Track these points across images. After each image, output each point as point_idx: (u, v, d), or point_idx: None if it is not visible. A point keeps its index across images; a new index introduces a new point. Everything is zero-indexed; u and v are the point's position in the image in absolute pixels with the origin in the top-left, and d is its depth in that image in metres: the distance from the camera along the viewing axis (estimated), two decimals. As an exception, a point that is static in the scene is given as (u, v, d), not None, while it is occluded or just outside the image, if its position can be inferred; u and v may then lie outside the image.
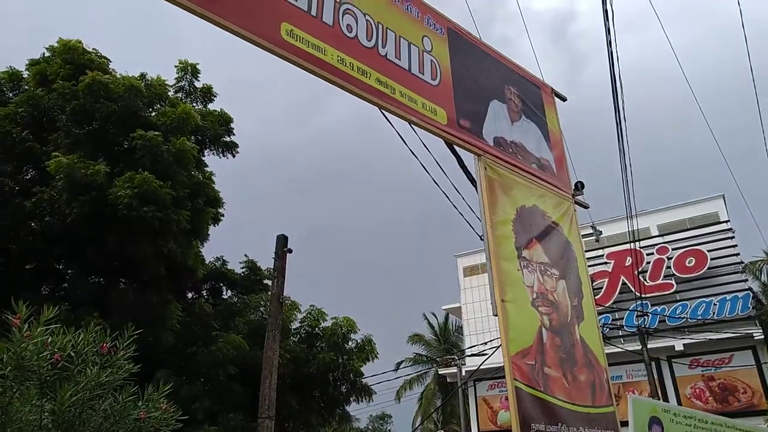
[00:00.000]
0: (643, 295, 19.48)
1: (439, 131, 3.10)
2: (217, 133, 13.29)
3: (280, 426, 13.33)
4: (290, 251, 11.18)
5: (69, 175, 9.83)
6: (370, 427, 51.26)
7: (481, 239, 3.28)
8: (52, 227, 10.73)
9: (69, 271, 12.07)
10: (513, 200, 3.27)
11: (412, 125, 3.33)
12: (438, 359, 36.92)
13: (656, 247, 22.66)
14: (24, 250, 10.72)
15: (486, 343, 15.20)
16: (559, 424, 2.72)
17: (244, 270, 15.73)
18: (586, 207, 3.92)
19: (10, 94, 12.03)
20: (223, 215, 13.00)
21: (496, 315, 2.86)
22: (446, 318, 39.70)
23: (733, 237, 21.99)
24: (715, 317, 20.46)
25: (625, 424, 3.09)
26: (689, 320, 20.80)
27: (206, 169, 13.07)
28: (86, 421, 4.89)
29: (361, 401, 14.83)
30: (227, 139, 13.67)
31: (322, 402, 14.53)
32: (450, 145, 3.96)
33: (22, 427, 4.80)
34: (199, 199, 11.79)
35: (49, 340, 4.50)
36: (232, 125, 13.81)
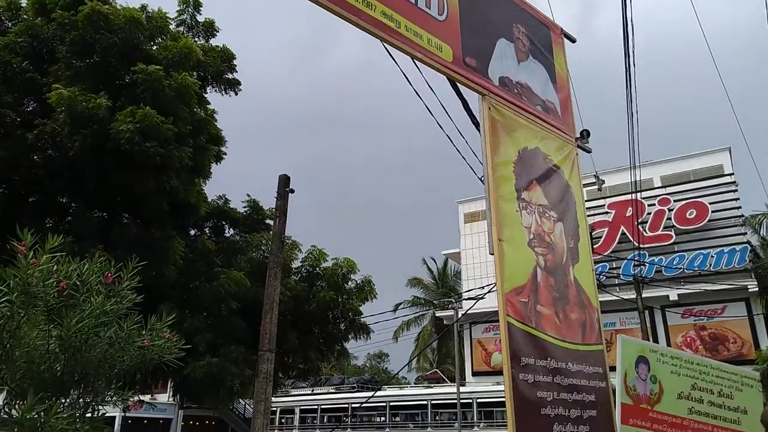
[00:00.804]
0: (641, 246, 19.65)
1: (443, 68, 3.06)
2: (219, 69, 13.06)
3: (281, 360, 13.76)
4: (292, 191, 11.22)
5: (70, 107, 9.74)
6: (367, 364, 52.82)
7: (482, 181, 3.29)
8: (55, 160, 10.73)
9: (72, 205, 12.16)
10: (515, 142, 3.26)
11: (417, 62, 3.27)
12: (436, 302, 37.65)
13: (658, 198, 22.67)
14: (26, 182, 10.77)
15: (483, 287, 15.44)
16: (549, 359, 2.81)
17: (246, 209, 15.83)
18: (588, 151, 3.91)
19: (9, 24, 11.77)
20: (225, 153, 12.97)
21: (493, 254, 2.90)
22: (445, 263, 40.22)
23: (735, 190, 21.96)
24: (712, 269, 20.70)
25: (613, 369, 3.19)
26: (686, 271, 21.06)
27: (208, 106, 12.92)
28: (92, 347, 5.05)
29: (360, 339, 15.24)
30: (229, 76, 13.45)
31: (322, 338, 14.93)
32: (454, 85, 3.90)
33: (30, 351, 4.97)
34: (201, 137, 11.73)
35: (55, 268, 4.58)
36: (234, 62, 13.56)
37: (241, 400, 27.56)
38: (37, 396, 4.23)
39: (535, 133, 3.41)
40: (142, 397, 14.30)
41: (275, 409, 19.74)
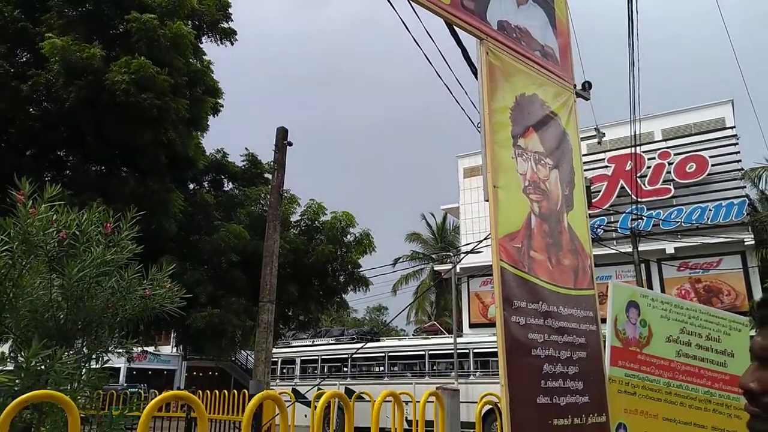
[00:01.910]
0: (639, 199, 19.68)
1: (441, 11, 3.00)
2: (215, 18, 12.79)
3: (281, 311, 14.00)
4: (290, 144, 11.16)
5: (64, 57, 9.59)
6: (367, 317, 53.70)
7: (478, 130, 3.28)
8: (51, 112, 10.63)
9: (70, 159, 12.12)
10: (513, 87, 3.23)
11: (414, 5, 3.21)
12: (434, 256, 37.98)
13: (658, 151, 22.56)
14: (23, 134, 10.70)
15: (481, 241, 15.54)
16: (540, 302, 2.86)
17: (244, 163, 15.80)
18: (586, 99, 3.88)
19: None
20: (222, 106, 12.83)
21: (488, 200, 2.92)
22: (444, 218, 40.36)
23: (736, 144, 21.83)
24: (710, 222, 20.79)
25: (604, 321, 3.25)
26: (683, 225, 21.16)
27: (204, 57, 12.71)
28: (94, 296, 5.13)
29: (359, 291, 15.46)
30: (225, 25, 13.17)
31: (321, 291, 15.15)
32: (453, 32, 3.84)
33: (33, 300, 5.05)
34: (197, 88, 11.58)
35: (54, 217, 4.62)
36: (230, 10, 13.25)
37: (242, 351, 28.17)
38: (41, 343, 4.33)
39: (533, 79, 3.38)
40: (146, 348, 14.62)
41: (276, 359, 20.15)
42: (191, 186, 14.53)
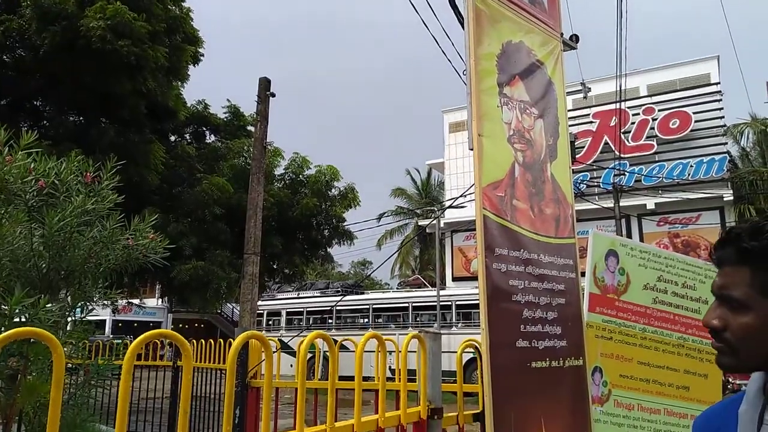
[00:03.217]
0: (622, 155, 19.79)
1: (426, -46, 2.92)
2: (193, -37, 12.30)
3: (265, 265, 14.05)
4: (273, 95, 10.98)
5: (36, 2, 9.22)
6: (351, 271, 54.22)
7: (464, 81, 3.24)
8: (25, 60, 10.29)
9: (47, 108, 11.81)
10: (499, 34, 3.18)
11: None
12: (418, 212, 38.16)
13: (643, 107, 22.57)
14: (-4, 82, 10.38)
15: (464, 194, 15.60)
16: (522, 250, 2.90)
17: (227, 115, 15.53)
18: (573, 48, 3.84)
19: None
20: (202, 55, 12.50)
21: (472, 149, 2.91)
22: (429, 173, 40.38)
23: (720, 100, 21.88)
24: (690, 178, 21.04)
25: (584, 274, 3.31)
26: (664, 180, 21.40)
27: (183, 3, 12.28)
28: (76, 245, 5.10)
29: (343, 245, 15.54)
30: (204, -30, 12.69)
31: (306, 244, 15.20)
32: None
33: (14, 249, 5.01)
34: (176, 36, 11.24)
35: (32, 165, 4.54)
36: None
37: (228, 303, 28.41)
38: (23, 291, 4.31)
39: (520, 26, 3.32)
40: (131, 300, 14.66)
41: (262, 311, 20.36)
42: (172, 138, 14.29)
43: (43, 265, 4.94)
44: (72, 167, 5.08)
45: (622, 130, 20.39)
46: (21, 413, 4.83)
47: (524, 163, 3.08)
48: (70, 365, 6.20)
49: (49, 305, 4.51)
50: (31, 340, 4.44)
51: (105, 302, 6.90)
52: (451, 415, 2.60)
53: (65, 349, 5.63)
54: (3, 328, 4.23)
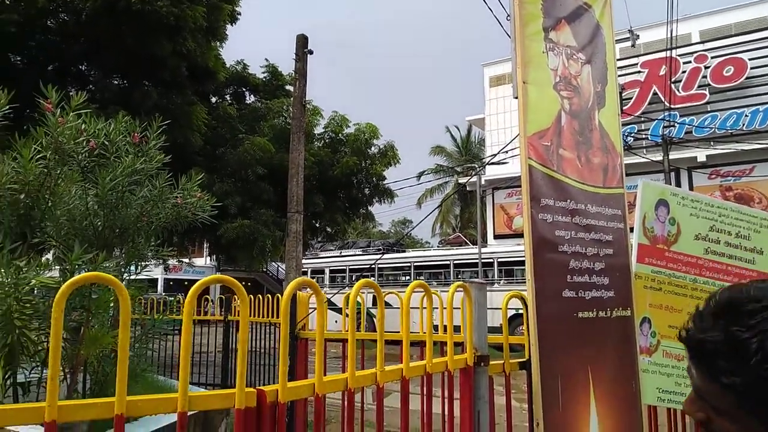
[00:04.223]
0: (672, 106, 19.00)
1: None
2: None
3: (308, 223, 14.27)
4: (311, 52, 10.91)
5: (76, -34, 9.32)
6: (392, 230, 54.57)
7: (506, 32, 3.14)
8: (68, 24, 10.48)
9: (91, 72, 12.07)
10: (544, -23, 3.05)
11: None
12: (459, 169, 37.82)
13: (695, 55, 21.46)
14: (43, 48, 10.62)
15: (507, 151, 15.35)
16: (568, 200, 2.86)
17: (265, 75, 15.56)
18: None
19: None
20: (240, 13, 12.46)
21: (517, 97, 2.85)
22: (469, 130, 39.77)
23: (779, 44, 20.61)
24: (745, 128, 20.08)
25: (632, 230, 3.23)
26: (717, 131, 20.49)
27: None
28: (128, 204, 5.29)
29: (384, 203, 15.59)
30: None
31: (347, 203, 15.32)
32: None
33: (70, 209, 5.23)
34: (213, -5, 11.21)
35: (83, 126, 4.68)
36: None
37: (273, 262, 29.09)
38: (82, 248, 4.52)
39: (566, -33, 3.18)
40: (181, 259, 15.20)
41: (306, 269, 20.79)
42: (213, 99, 14.45)
43: (99, 224, 5.15)
44: (120, 128, 5.23)
45: (672, 80, 19.51)
46: (86, 363, 5.14)
47: (571, 111, 2.99)
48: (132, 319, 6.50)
49: (106, 263, 4.72)
50: (93, 295, 4.68)
51: (157, 260, 7.18)
52: (497, 363, 2.63)
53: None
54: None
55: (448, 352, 2.30)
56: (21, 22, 9.83)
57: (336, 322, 14.43)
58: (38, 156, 4.47)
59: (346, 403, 1.87)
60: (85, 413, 1.43)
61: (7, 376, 4.38)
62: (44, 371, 4.74)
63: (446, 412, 2.49)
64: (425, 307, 2.31)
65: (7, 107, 4.45)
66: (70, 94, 10.18)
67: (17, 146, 4.36)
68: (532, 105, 2.81)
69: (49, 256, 5.70)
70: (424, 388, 2.23)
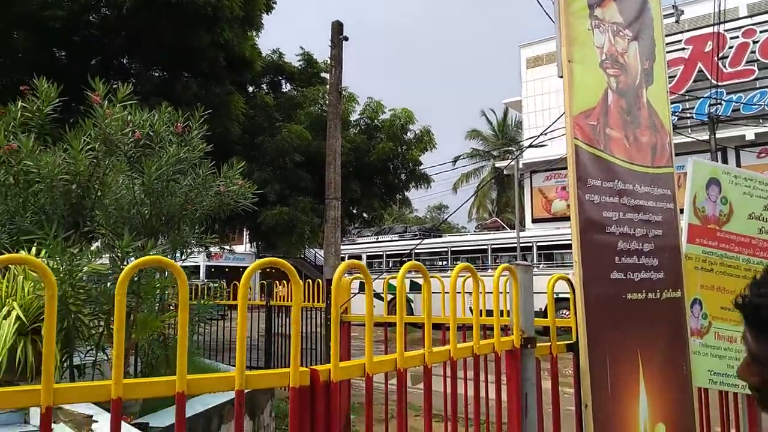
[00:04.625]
0: (719, 83, 18.30)
1: None
2: None
3: (346, 209, 14.36)
4: (346, 39, 10.91)
5: (116, -41, 9.51)
6: (428, 216, 54.45)
7: (545, 12, 3.07)
8: (109, 19, 10.73)
9: (133, 65, 12.35)
10: (589, -49, 2.97)
11: None
12: (495, 153, 37.37)
13: (742, 29, 20.58)
14: (86, 43, 10.91)
15: (546, 134, 15.08)
16: (616, 180, 2.80)
17: (300, 63, 15.64)
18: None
19: None
20: (275, 2, 12.52)
21: (562, 76, 2.79)
22: (505, 113, 39.21)
23: (835, 15, 19.58)
24: (796, 105, 19.23)
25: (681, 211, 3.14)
26: (766, 108, 19.66)
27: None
28: (173, 192, 5.43)
29: (420, 188, 15.56)
30: None
31: (383, 188, 15.34)
32: None
33: (118, 198, 5.40)
34: (249, -16, 11.30)
35: (129, 118, 4.81)
36: None
37: (311, 249, 29.43)
38: (131, 236, 4.66)
39: (611, -60, 3.09)
40: (223, 246, 15.51)
41: (343, 255, 20.96)
42: (250, 89, 14.61)
43: (146, 212, 5.30)
44: (163, 118, 5.35)
45: (718, 56, 18.78)
46: (137, 347, 5.33)
47: (618, 89, 2.92)
48: (175, 305, 6.70)
49: (153, 250, 4.86)
50: (142, 280, 4.84)
51: (200, 247, 7.34)
52: (544, 345, 2.62)
53: (168, 291, 6.09)
54: (116, 268, 4.61)
55: (495, 334, 2.30)
56: (65, 17, 10.10)
57: (374, 307, 14.52)
58: (87, 147, 4.61)
59: (397, 383, 1.89)
60: (149, 390, 1.49)
61: (63, 359, 4.58)
62: (98, 354, 4.94)
63: (485, 395, 2.49)
64: (468, 292, 2.31)
65: (57, 100, 4.61)
66: (114, 86, 10.45)
67: (68, 138, 4.51)
68: (577, 84, 2.76)
69: (98, 244, 5.90)
70: (459, 371, 2.23)
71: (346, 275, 5.01)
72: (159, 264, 1.46)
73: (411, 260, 20.46)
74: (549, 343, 2.67)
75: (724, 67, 20.24)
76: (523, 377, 2.46)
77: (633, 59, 3.08)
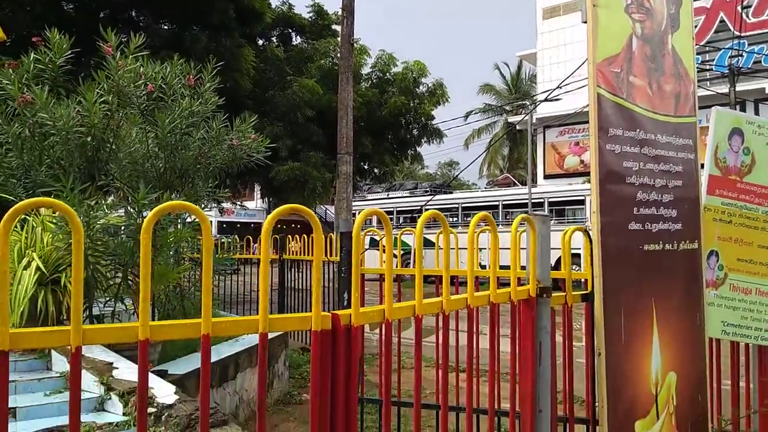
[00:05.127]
0: (741, 34, 17.73)
1: None
2: None
3: (357, 165, 14.33)
4: (358, -12, 10.63)
5: None
6: (438, 172, 54.19)
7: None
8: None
9: (141, 18, 12.17)
10: None
11: None
12: (508, 108, 36.81)
13: (769, -24, 19.80)
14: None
15: (561, 87, 14.80)
16: (637, 130, 2.75)
17: (311, 15, 15.34)
18: None
19: None
20: (284, -50, 12.20)
21: (586, 21, 2.71)
22: (519, 66, 38.38)
23: None
24: (821, 57, 18.64)
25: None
26: (789, 60, 19.10)
27: None
28: (186, 146, 5.42)
29: (432, 143, 15.45)
30: None
31: (395, 144, 15.26)
32: None
33: (132, 152, 5.41)
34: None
35: (141, 69, 4.77)
36: None
37: (322, 206, 29.55)
38: (147, 188, 4.69)
39: None
40: (234, 201, 15.62)
41: (354, 211, 21.03)
42: (260, 42, 14.40)
43: (160, 165, 5.32)
44: (176, 71, 5.30)
45: (742, 5, 18.13)
46: (154, 298, 5.43)
47: (643, 35, 2.83)
48: (190, 258, 6.79)
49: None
50: (157, 233, 4.88)
51: (213, 202, 7.36)
52: (559, 295, 2.63)
53: (184, 244, 6.16)
54: (134, 221, 4.66)
55: (512, 283, 2.31)
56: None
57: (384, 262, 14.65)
58: (101, 100, 4.59)
59: (415, 328, 1.91)
60: (175, 332, 1.52)
61: (83, 309, 4.69)
62: (116, 305, 5.05)
63: (497, 346, 2.52)
64: (483, 248, 2.31)
65: (69, 52, 4.56)
66: (124, 39, 10.35)
67: (81, 90, 4.49)
68: (601, 29, 2.67)
69: (113, 198, 5.95)
70: (471, 322, 2.26)
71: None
72: (185, 209, 1.47)
73: (422, 216, 20.50)
74: (564, 293, 2.69)
75: (747, 17, 19.56)
76: (537, 326, 2.48)
77: (659, 3, 2.98)
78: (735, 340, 3.25)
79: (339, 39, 11.39)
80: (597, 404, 2.67)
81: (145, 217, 4.76)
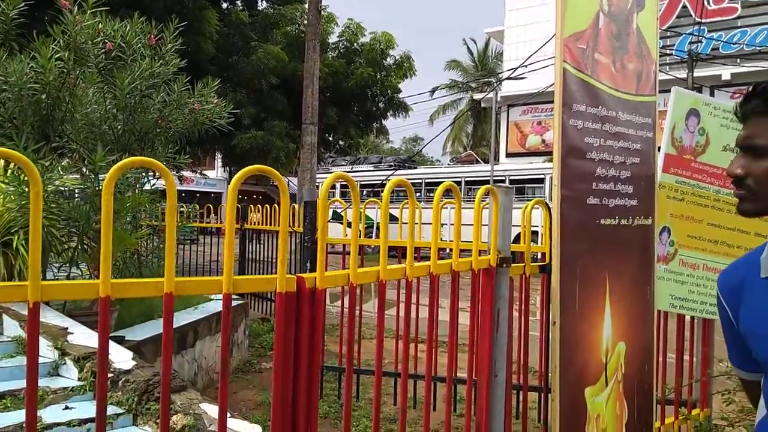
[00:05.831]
0: (702, 20, 18.15)
1: None
2: None
3: (321, 136, 14.19)
4: (327, -46, 10.40)
5: None
6: (403, 147, 54.23)
7: None
8: None
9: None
10: None
11: None
12: (474, 85, 36.90)
13: (731, -36, 20.25)
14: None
15: (526, 65, 14.91)
16: (600, 106, 2.81)
17: (278, -21, 14.95)
18: None
19: None
20: None
21: (552, -3, 2.73)
22: (487, 43, 38.41)
23: (823, -46, 19.35)
24: (775, 46, 19.28)
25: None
26: (745, 48, 19.69)
27: None
28: (146, 108, 5.27)
29: (398, 117, 15.40)
30: None
31: (361, 116, 15.14)
32: None
33: (89, 113, 5.22)
34: None
35: (100, 26, 4.58)
36: None
37: (286, 177, 29.23)
38: (105, 150, 4.55)
39: None
40: (195, 169, 15.30)
41: (318, 183, 20.90)
42: (224, 5, 13.97)
43: (118, 127, 5.16)
44: (136, 29, 5.11)
45: (703, -8, 18.55)
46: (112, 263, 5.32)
47: (610, 12, 2.87)
48: (147, 225, 6.64)
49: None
50: (115, 197, 4.76)
51: (174, 169, 7.19)
52: (518, 266, 2.70)
53: (142, 211, 6.03)
54: (90, 184, 4.53)
55: (473, 253, 2.36)
56: None
57: (346, 234, 14.67)
58: (56, 56, 4.40)
59: (378, 293, 1.94)
60: (137, 290, 1.50)
61: (37, 273, 4.56)
62: (72, 270, 4.93)
63: (456, 317, 2.58)
64: (445, 224, 2.33)
65: (23, 4, 4.34)
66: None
67: (36, 45, 4.29)
68: (570, 5, 2.70)
69: (68, 160, 5.75)
70: (432, 289, 2.31)
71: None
72: (149, 165, 1.44)
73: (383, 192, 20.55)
74: (523, 264, 2.76)
75: (708, 3, 20.02)
76: (496, 294, 2.55)
77: (625, -18, 3.02)
78: (682, 312, 3.40)
79: (306, 5, 11.16)
80: (550, 372, 2.78)
81: (102, 181, 4.63)
